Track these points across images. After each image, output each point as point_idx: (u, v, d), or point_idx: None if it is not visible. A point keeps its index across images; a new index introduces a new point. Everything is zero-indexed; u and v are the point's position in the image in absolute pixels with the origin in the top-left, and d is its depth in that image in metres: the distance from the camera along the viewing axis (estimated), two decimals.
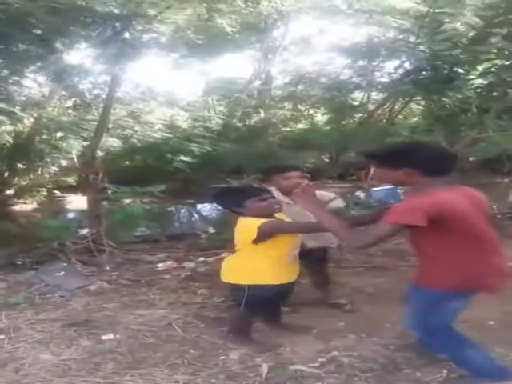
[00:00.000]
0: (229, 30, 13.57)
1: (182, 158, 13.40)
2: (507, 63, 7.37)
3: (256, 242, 4.02)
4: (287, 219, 4.30)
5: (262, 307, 4.40)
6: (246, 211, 4.18)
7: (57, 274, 6.76)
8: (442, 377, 3.73)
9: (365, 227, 3.49)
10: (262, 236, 4.00)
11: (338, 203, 5.22)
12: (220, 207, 4.50)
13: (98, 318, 5.17)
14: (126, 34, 9.64)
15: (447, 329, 3.43)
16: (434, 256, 3.29)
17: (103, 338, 4.66)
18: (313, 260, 5.07)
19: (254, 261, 4.15)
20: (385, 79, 10.11)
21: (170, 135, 14.02)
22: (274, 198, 4.30)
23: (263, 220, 4.04)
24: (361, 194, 12.25)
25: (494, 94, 7.93)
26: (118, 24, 9.44)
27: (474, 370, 3.48)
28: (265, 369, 3.92)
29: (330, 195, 5.14)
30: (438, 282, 3.27)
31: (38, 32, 8.59)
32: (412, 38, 8.42)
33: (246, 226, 4.12)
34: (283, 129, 17.26)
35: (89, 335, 4.72)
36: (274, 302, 4.47)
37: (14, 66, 9.68)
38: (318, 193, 4.22)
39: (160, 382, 3.81)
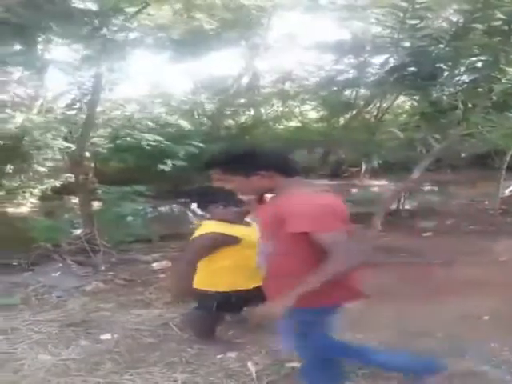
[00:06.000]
0: (208, 27, 13.54)
1: (169, 161, 13.41)
2: (491, 59, 7.41)
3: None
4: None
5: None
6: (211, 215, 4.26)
7: (53, 274, 6.82)
8: None
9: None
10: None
11: None
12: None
13: (95, 318, 5.21)
14: (106, 32, 9.63)
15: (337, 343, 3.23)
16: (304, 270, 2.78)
17: (101, 337, 4.70)
18: None
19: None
20: (371, 76, 10.14)
21: (158, 137, 14.00)
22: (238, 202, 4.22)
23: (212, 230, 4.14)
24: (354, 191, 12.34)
25: (479, 90, 7.97)
26: (96, 21, 9.43)
27: (396, 370, 3.48)
28: (252, 367, 3.98)
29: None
30: (315, 299, 2.80)
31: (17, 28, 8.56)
32: (395, 34, 8.42)
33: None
34: (274, 126, 17.24)
35: (87, 335, 4.76)
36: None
37: None
38: None
39: (159, 380, 3.85)
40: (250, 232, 4.00)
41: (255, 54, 16.54)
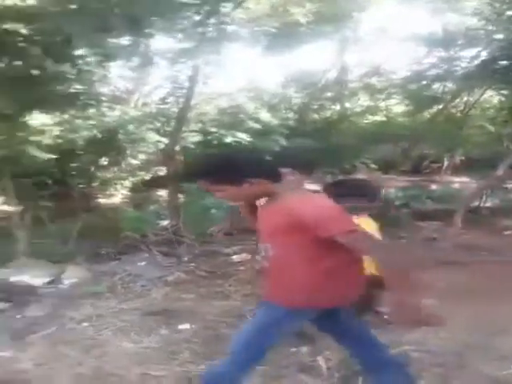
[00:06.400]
0: (302, 20, 13.52)
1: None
2: None
3: None
4: None
5: None
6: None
7: (138, 263, 7.08)
8: (510, 373, 3.73)
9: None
10: None
11: None
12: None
13: (175, 308, 5.39)
14: (207, 24, 9.81)
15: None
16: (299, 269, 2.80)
17: (180, 327, 4.86)
18: None
19: None
20: (462, 69, 9.88)
21: (242, 135, 14.10)
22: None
23: None
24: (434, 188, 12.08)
25: None
26: (198, 16, 9.63)
27: None
28: (323, 362, 4.02)
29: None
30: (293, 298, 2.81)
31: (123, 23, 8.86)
32: (490, 26, 8.17)
33: None
34: (359, 121, 17.10)
35: (167, 324, 4.94)
36: None
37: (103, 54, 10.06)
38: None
39: None
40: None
41: (345, 47, 16.43)
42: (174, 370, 3.99)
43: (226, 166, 2.87)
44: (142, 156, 14.47)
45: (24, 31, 9.41)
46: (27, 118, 12.65)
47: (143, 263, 7.13)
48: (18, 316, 5.26)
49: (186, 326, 4.91)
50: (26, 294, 5.79)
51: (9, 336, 4.68)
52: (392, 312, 2.76)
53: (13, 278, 6.17)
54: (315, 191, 3.01)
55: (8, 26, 9.19)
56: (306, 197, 2.88)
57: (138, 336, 4.67)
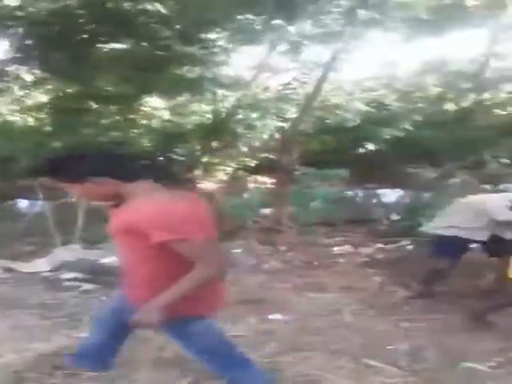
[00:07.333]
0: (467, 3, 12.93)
1: (369, 145, 13.22)
2: None
3: None
4: None
5: None
6: None
7: (234, 250, 6.91)
8: None
9: None
10: None
11: None
12: None
13: (268, 297, 5.20)
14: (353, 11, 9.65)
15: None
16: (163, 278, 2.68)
17: (270, 317, 4.66)
18: None
19: None
20: None
21: (363, 119, 13.77)
22: None
23: None
24: None
25: None
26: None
27: None
28: None
29: None
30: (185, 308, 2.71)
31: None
32: None
33: None
34: (498, 113, 16.23)
35: (257, 313, 4.74)
36: None
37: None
38: None
39: (322, 366, 3.69)
40: None
41: (500, 35, 15.57)
42: (258, 360, 3.77)
43: (65, 164, 2.70)
44: (254, 142, 14.37)
45: (164, 11, 9.57)
46: (143, 100, 12.92)
47: (239, 250, 6.97)
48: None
49: (278, 316, 4.71)
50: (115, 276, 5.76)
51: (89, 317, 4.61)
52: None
53: (104, 260, 6.13)
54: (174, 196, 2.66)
55: (148, 5, 9.36)
56: (152, 200, 2.62)
57: (224, 324, 4.48)
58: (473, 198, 5.38)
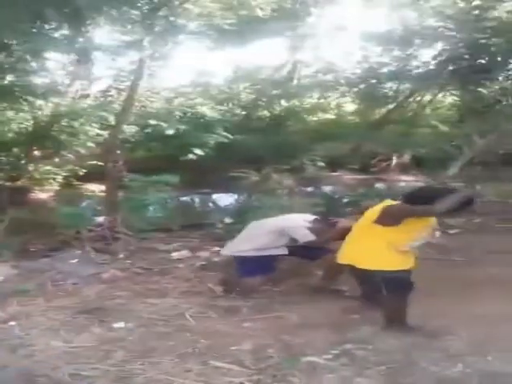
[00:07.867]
0: (260, 14, 13.37)
1: (196, 150, 13.41)
2: None
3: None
4: None
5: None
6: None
7: (70, 261, 6.74)
8: (458, 371, 3.64)
9: None
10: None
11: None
12: None
13: (109, 306, 5.14)
14: (156, 18, 9.59)
15: None
16: None
17: (114, 326, 4.62)
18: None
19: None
20: (416, 69, 9.86)
21: (184, 126, 13.90)
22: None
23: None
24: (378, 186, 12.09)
25: None
26: (146, 8, 9.39)
27: None
28: None
29: None
30: None
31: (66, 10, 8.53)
32: (451, 25, 8.13)
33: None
34: (308, 118, 17.08)
35: (100, 323, 4.69)
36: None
37: (39, 46, 9.69)
38: None
39: (170, 370, 3.74)
40: None
41: (300, 44, 16.34)
42: (106, 369, 3.75)
43: None
44: (79, 150, 14.05)
45: None
46: None
47: (75, 260, 6.80)
48: None
49: (121, 324, 4.67)
50: None
51: None
52: None
53: None
54: None
55: None
56: None
57: (68, 335, 4.40)
58: (271, 221, 5.85)
